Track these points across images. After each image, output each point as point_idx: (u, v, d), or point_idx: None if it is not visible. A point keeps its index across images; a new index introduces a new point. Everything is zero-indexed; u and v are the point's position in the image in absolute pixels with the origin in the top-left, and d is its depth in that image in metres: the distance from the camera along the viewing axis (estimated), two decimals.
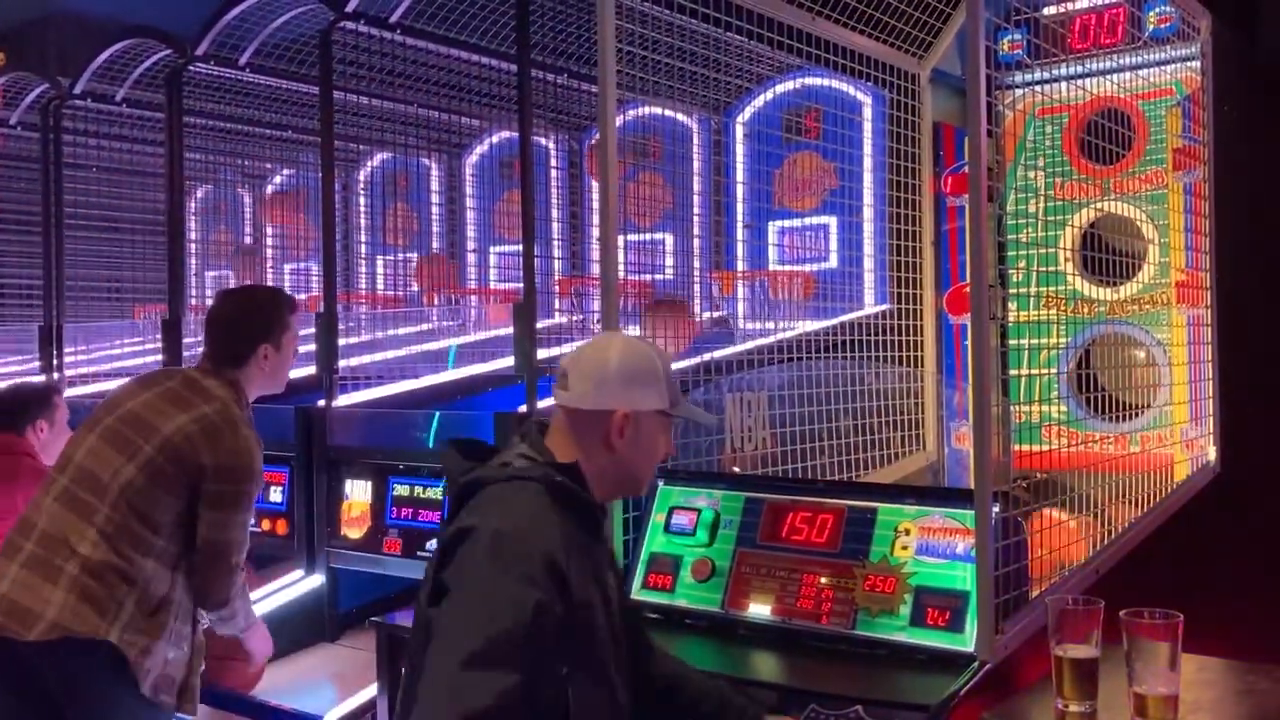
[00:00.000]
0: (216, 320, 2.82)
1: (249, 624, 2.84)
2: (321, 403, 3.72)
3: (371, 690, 2.89)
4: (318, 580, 3.53)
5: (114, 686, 2.46)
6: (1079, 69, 3.12)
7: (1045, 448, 2.72)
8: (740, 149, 4.31)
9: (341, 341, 3.94)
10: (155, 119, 4.85)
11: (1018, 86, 3.30)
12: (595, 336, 1.94)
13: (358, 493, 3.53)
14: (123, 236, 5.40)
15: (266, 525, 3.75)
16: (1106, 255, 3.32)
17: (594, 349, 1.88)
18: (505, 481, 1.75)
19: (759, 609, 2.48)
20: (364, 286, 5.45)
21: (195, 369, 2.78)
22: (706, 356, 3.44)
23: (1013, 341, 3.15)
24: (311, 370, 4.02)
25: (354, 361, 4.17)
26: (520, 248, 3.57)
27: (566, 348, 4.26)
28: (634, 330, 3.38)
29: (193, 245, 5.55)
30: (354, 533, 3.50)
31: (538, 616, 1.58)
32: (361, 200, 5.62)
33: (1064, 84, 3.06)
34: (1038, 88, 3.16)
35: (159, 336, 4.44)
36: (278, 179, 6.07)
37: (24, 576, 2.46)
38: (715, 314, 4.24)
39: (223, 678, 3.00)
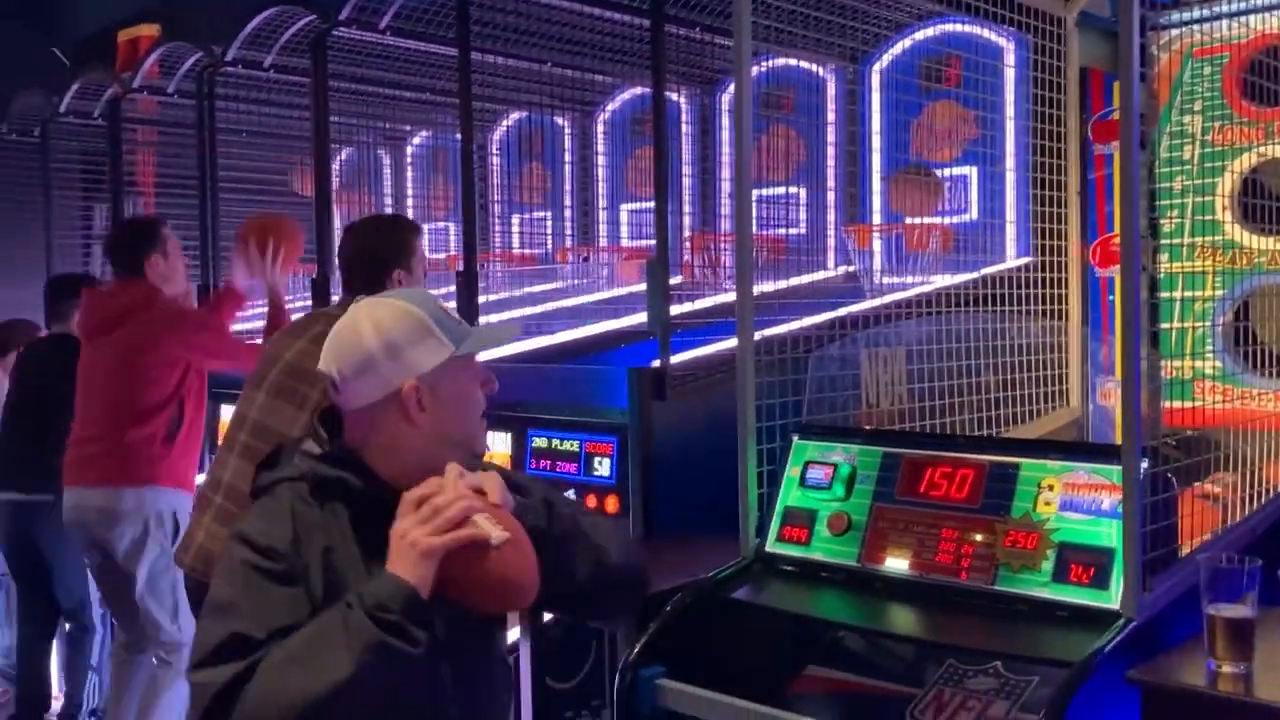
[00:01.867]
0: (347, 254, 2.95)
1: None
2: None
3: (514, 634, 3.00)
4: None
5: None
6: (1242, 4, 2.95)
7: (1197, 404, 2.62)
8: (876, 99, 4.22)
9: (480, 299, 4.03)
10: (301, 84, 5.01)
11: (1173, 26, 3.15)
12: (339, 322, 1.73)
13: (498, 445, 3.63)
14: (272, 199, 5.61)
15: None
16: (1269, 203, 3.15)
17: (343, 337, 1.69)
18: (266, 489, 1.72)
19: (896, 563, 2.47)
20: (499, 245, 5.57)
21: (337, 308, 2.90)
22: (841, 311, 3.41)
23: (1164, 294, 3.04)
24: None
25: (493, 318, 4.27)
26: (652, 204, 3.59)
27: (699, 304, 4.28)
28: None
29: (337, 207, 5.75)
30: None
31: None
32: (496, 160, 5.72)
33: (1225, 21, 2.90)
34: (1195, 26, 3.00)
35: (309, 295, 4.62)
36: (416, 140, 6.22)
37: (215, 529, 2.64)
38: (849, 268, 4.19)
39: None
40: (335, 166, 5.64)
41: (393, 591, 1.55)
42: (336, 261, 3.12)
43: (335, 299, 3.50)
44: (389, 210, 5.93)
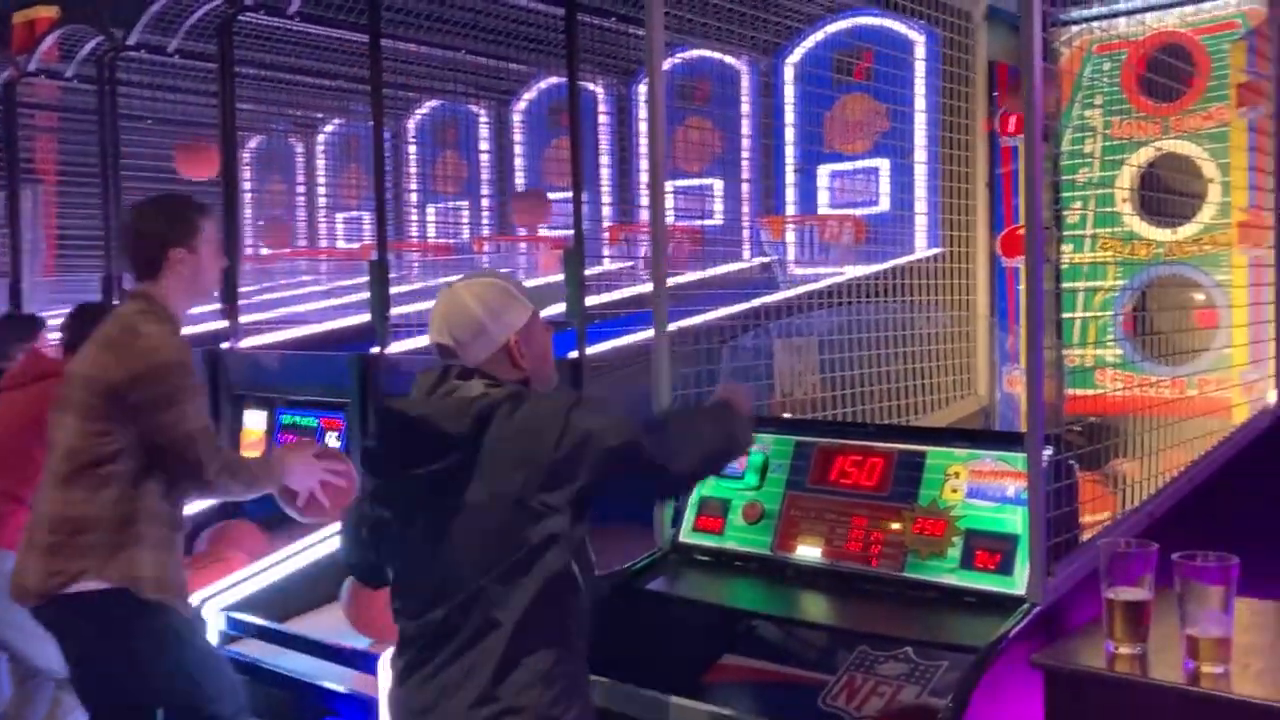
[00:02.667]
0: (124, 234, 2.79)
1: (268, 476, 2.74)
2: (375, 350, 3.77)
3: None
4: None
5: (115, 612, 2.53)
6: (1140, 2, 3.03)
7: (1099, 391, 2.69)
8: (790, 91, 4.26)
9: (393, 290, 3.98)
10: (208, 69, 4.89)
11: (1075, 22, 3.22)
12: (438, 302, 2.12)
13: None
14: (179, 187, 5.46)
15: None
16: (1166, 195, 3.25)
17: (452, 312, 2.08)
18: (513, 396, 1.99)
19: (808, 551, 2.49)
20: (415, 234, 5.51)
21: (125, 305, 2.72)
22: (756, 302, 3.43)
23: (1067, 284, 3.12)
24: (365, 318, 4.07)
25: (407, 309, 4.21)
26: (569, 195, 3.57)
27: (616, 294, 4.28)
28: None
29: (247, 195, 5.63)
30: None
31: None
32: (411, 148, 5.64)
33: (1123, 19, 2.98)
34: (1096, 23, 3.08)
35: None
36: (329, 128, 6.11)
37: (44, 562, 2.55)
38: (763, 259, 4.22)
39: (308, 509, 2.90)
40: (244, 155, 5.52)
41: None
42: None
43: None
44: (300, 199, 5.82)
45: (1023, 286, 3.53)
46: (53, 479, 2.57)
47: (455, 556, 1.96)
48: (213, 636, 3.22)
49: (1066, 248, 3.36)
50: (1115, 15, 3.00)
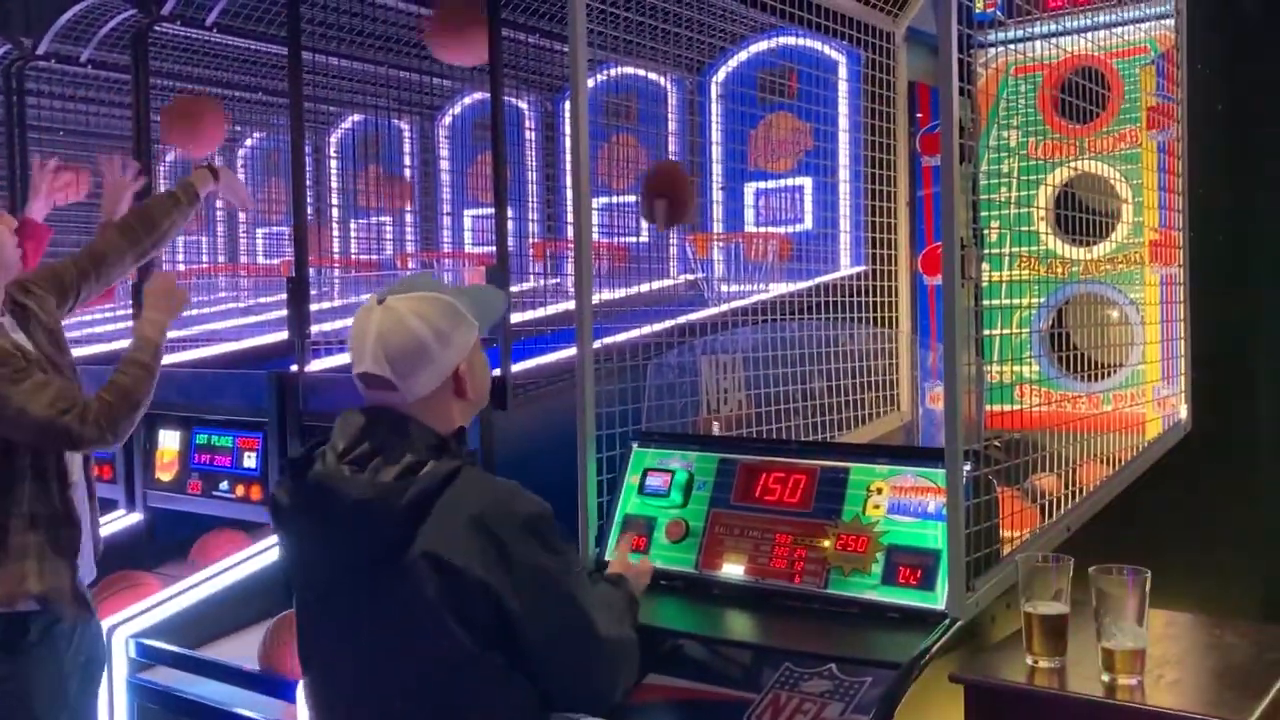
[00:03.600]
0: None
1: (151, 346, 2.61)
2: (294, 368, 3.69)
3: None
4: None
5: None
6: (1054, 26, 3.10)
7: (1017, 407, 2.73)
8: (716, 109, 4.28)
9: (314, 306, 3.91)
10: (122, 80, 4.76)
11: (992, 45, 3.28)
12: (365, 317, 1.80)
13: None
14: (93, 202, 5.31)
15: (241, 490, 3.73)
16: (1081, 214, 3.32)
17: (391, 334, 1.77)
18: (448, 479, 1.72)
19: (732, 569, 2.49)
20: (337, 250, 5.42)
21: None
22: (682, 319, 3.43)
23: (986, 301, 3.16)
24: (284, 335, 3.99)
25: (327, 327, 4.14)
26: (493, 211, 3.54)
27: (541, 311, 4.25)
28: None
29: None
30: None
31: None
32: (334, 163, 5.56)
33: (1039, 42, 3.04)
34: (1013, 46, 3.14)
35: (129, 303, 4.39)
36: (249, 142, 6.00)
37: None
38: (690, 276, 4.22)
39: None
40: (162, 169, 5.39)
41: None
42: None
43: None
44: (219, 213, 5.70)
45: (943, 303, 3.58)
46: None
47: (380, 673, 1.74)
48: (120, 665, 3.12)
49: (985, 266, 3.40)
50: (1031, 39, 3.07)
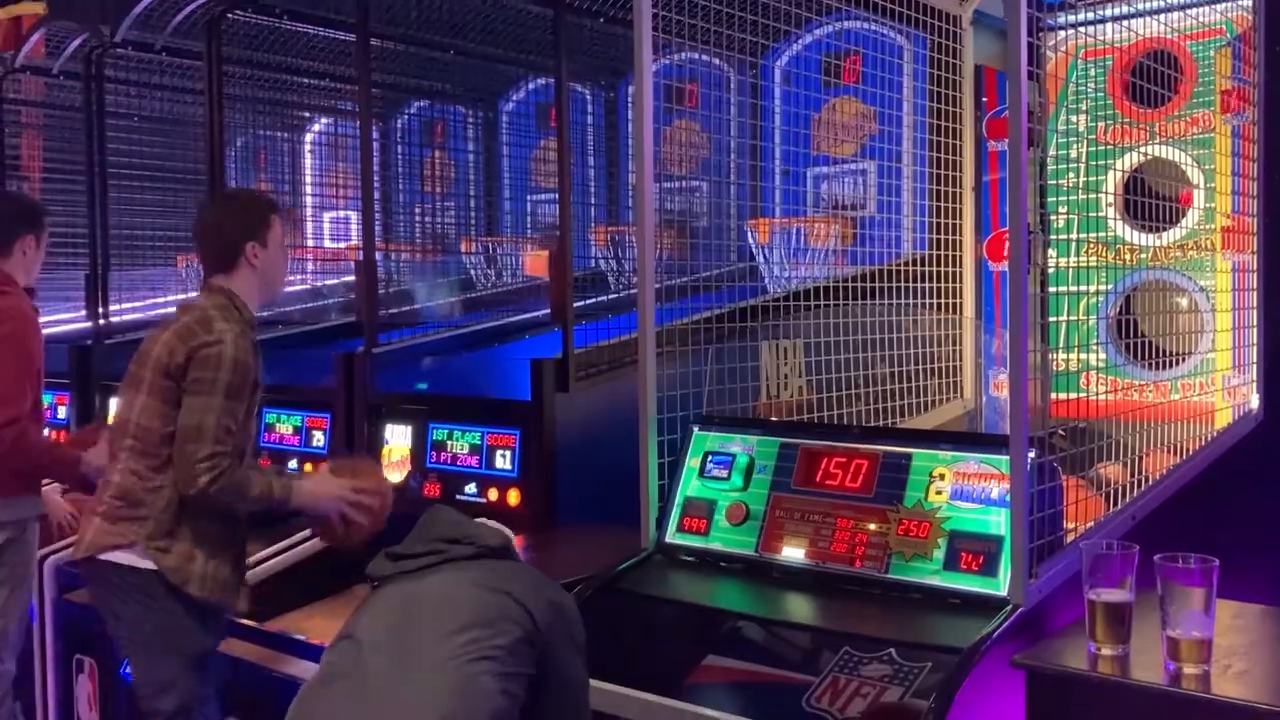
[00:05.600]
0: (199, 231, 2.88)
1: (283, 498, 2.73)
2: (362, 349, 3.76)
3: None
4: None
5: (150, 593, 2.66)
6: (1126, 9, 3.04)
7: (1083, 395, 2.70)
8: (778, 94, 4.26)
9: (381, 290, 3.97)
10: (195, 67, 4.87)
11: (1061, 28, 3.23)
12: None
13: (398, 438, 3.58)
14: (165, 186, 5.45)
15: (309, 468, 3.81)
16: (1151, 200, 3.26)
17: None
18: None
19: (793, 552, 2.50)
20: (403, 235, 5.49)
21: (199, 295, 2.84)
22: (742, 303, 3.44)
23: (1052, 288, 3.12)
24: (352, 318, 4.07)
25: (394, 310, 4.21)
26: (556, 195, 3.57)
27: (603, 296, 4.28)
28: None
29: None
30: (395, 477, 3.55)
31: None
32: (399, 148, 5.63)
33: (1110, 25, 2.99)
34: (1083, 29, 3.09)
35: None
36: (316, 127, 6.10)
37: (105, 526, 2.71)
38: (751, 261, 4.22)
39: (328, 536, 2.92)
40: (230, 155, 5.50)
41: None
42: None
43: None
44: (286, 198, 5.80)
45: (1008, 289, 3.55)
46: (125, 452, 2.70)
47: None
48: None
49: (1051, 252, 3.36)
50: (1102, 21, 3.01)
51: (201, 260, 2.86)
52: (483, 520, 2.21)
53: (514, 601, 1.96)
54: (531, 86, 5.54)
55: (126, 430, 2.72)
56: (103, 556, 2.68)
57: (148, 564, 2.65)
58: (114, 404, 3.03)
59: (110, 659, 3.63)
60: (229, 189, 3.33)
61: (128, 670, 2.88)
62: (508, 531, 2.22)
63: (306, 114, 5.94)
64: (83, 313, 5.13)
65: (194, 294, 2.88)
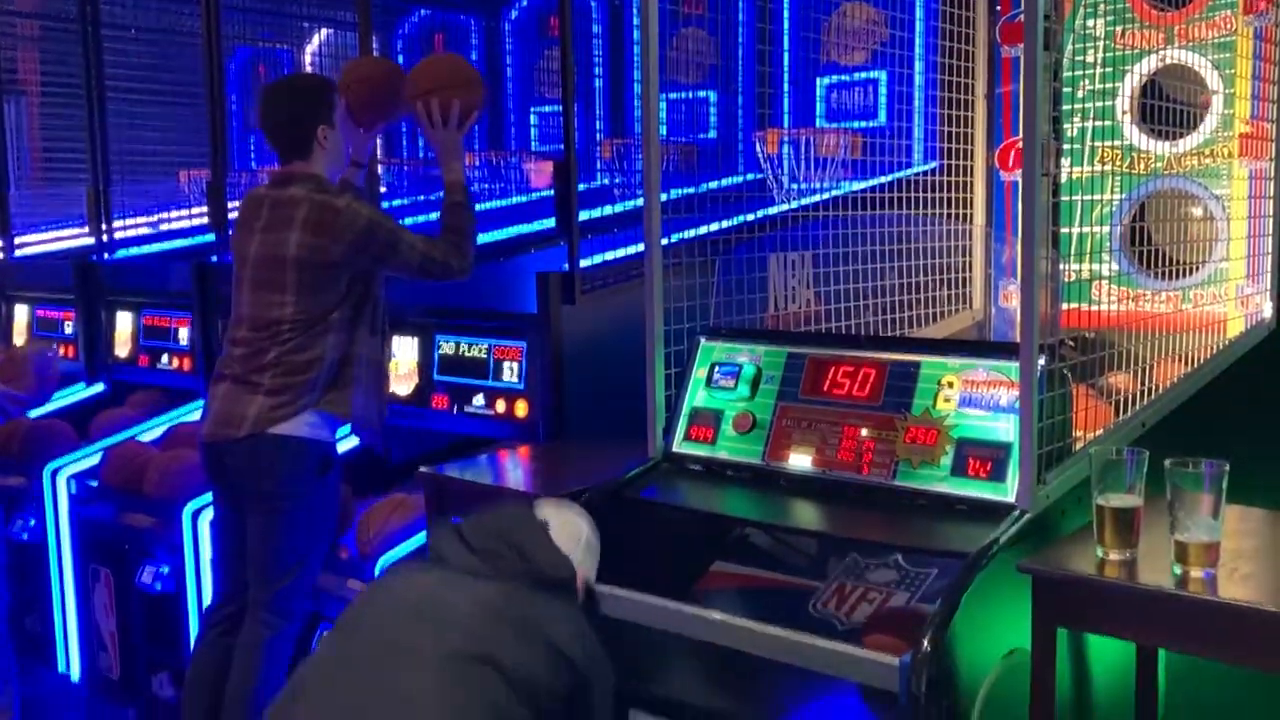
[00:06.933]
0: (268, 120, 2.97)
1: (462, 195, 3.05)
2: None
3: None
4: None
5: (307, 465, 2.88)
6: None
7: (1094, 307, 2.68)
8: (788, 1, 4.17)
9: (384, 203, 3.93)
10: None
11: None
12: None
13: (404, 350, 3.57)
14: (164, 99, 5.37)
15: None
16: (1167, 106, 3.19)
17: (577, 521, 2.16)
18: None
19: (799, 460, 2.50)
20: (406, 148, 5.43)
21: (269, 185, 2.96)
22: (750, 215, 3.40)
23: (1065, 197, 3.08)
24: None
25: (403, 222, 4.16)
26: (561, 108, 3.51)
27: (609, 209, 4.24)
28: None
29: (233, 108, 5.54)
30: (402, 389, 3.55)
31: None
32: (401, 60, 5.53)
33: None
34: None
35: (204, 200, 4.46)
36: (317, 39, 5.99)
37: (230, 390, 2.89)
38: (759, 172, 4.16)
39: None
40: (232, 67, 5.41)
41: None
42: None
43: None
44: None
45: (1020, 192, 3.50)
46: (276, 342, 2.85)
47: None
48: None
49: (1064, 161, 3.31)
50: None
51: (272, 144, 2.98)
52: (567, 525, 2.11)
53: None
54: None
55: (279, 324, 2.84)
56: (272, 430, 2.81)
57: (314, 434, 2.86)
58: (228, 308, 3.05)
59: (125, 568, 3.68)
60: (285, 76, 3.40)
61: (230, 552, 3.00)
62: (576, 560, 2.07)
63: (306, 24, 5.83)
64: (85, 227, 5.10)
65: (276, 185, 2.94)
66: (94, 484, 3.87)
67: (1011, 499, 2.18)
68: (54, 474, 3.92)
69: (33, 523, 4.03)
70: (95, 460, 3.94)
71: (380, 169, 4.03)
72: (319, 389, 2.88)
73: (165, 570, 3.55)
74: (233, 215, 4.48)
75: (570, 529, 2.09)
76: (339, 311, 2.88)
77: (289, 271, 2.84)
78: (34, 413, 4.10)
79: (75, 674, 3.99)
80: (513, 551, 1.97)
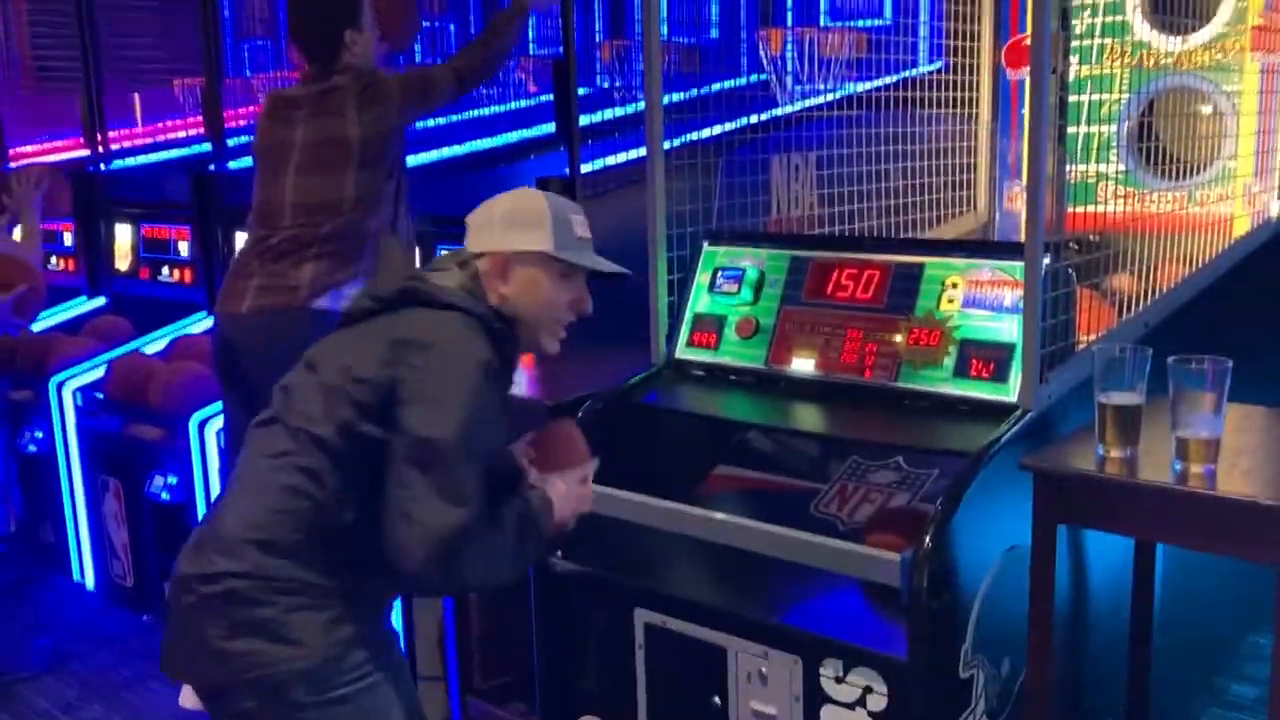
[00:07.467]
0: (296, 24, 3.01)
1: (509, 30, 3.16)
2: None
3: None
4: None
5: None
6: None
7: (1100, 208, 2.64)
8: None
9: None
10: None
11: None
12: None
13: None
14: (154, 4, 5.27)
15: None
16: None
17: (491, 200, 1.91)
18: (442, 307, 1.78)
19: (802, 364, 2.50)
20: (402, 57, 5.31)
21: (300, 86, 3.00)
22: (753, 118, 3.35)
23: (1073, 96, 3.03)
24: None
25: None
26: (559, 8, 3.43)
27: (609, 113, 4.18)
28: None
29: (226, 14, 5.42)
30: None
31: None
32: None
33: None
34: None
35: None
36: None
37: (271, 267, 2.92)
38: (762, 74, 4.09)
39: None
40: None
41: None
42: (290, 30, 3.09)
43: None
44: (282, 46, 5.61)
45: (1027, 99, 3.45)
46: (328, 216, 2.89)
47: None
48: None
49: (1072, 59, 3.25)
50: None
51: (302, 49, 2.99)
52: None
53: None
54: None
55: (338, 203, 2.89)
56: (315, 305, 2.84)
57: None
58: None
59: (134, 479, 3.73)
60: None
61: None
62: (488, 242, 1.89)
63: None
64: (79, 135, 5.04)
65: (311, 86, 2.97)
66: (100, 396, 3.90)
67: (1014, 399, 2.18)
68: (59, 386, 3.95)
69: (40, 435, 4.07)
70: (100, 373, 3.96)
71: None
72: (369, 257, 2.94)
73: (174, 481, 3.60)
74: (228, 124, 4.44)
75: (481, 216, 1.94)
76: (389, 185, 2.96)
77: (353, 149, 2.90)
78: (36, 326, 4.11)
79: (90, 582, 4.06)
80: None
